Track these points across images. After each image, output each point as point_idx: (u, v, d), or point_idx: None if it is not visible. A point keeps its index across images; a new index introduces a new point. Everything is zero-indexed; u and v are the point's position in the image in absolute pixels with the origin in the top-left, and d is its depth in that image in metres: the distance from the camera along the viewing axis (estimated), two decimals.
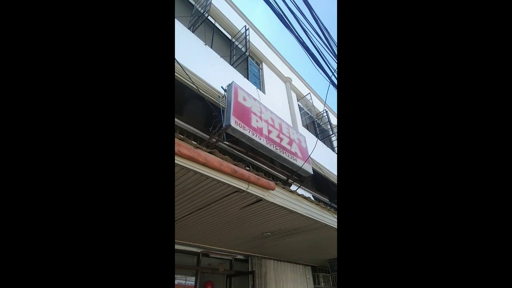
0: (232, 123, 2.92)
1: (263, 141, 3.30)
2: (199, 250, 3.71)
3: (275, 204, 2.42)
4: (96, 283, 0.61)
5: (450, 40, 0.66)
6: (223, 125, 2.94)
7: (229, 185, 2.05)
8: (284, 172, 4.07)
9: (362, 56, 0.76)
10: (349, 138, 0.78)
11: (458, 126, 0.62)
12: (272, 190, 2.38)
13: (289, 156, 3.66)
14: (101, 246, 0.63)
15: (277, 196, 2.47)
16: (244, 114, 3.27)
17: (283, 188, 2.59)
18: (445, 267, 0.58)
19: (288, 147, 3.75)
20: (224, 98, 3.44)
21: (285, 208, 2.54)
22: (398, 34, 0.72)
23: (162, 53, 0.76)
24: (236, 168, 2.05)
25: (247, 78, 5.28)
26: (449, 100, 0.64)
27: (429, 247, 0.61)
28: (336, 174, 6.41)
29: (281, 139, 3.71)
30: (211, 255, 3.86)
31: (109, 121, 0.68)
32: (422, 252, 0.62)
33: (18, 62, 0.61)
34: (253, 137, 3.18)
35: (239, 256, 4.40)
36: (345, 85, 0.79)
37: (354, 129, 0.77)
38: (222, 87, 3.48)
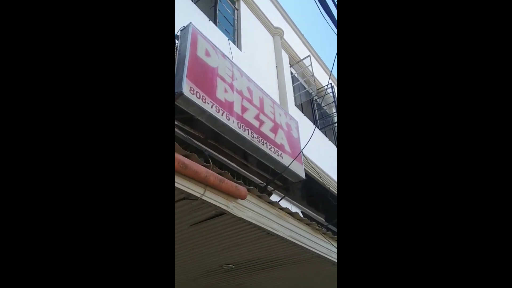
0: (185, 91, 2.85)
1: (233, 123, 3.30)
2: None
3: (245, 220, 2.45)
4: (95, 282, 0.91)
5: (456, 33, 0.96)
6: None
7: (174, 188, 2.02)
8: (262, 174, 4.12)
9: (364, 52, 1.04)
10: (351, 137, 1.03)
11: (467, 127, 0.90)
12: (242, 199, 2.40)
13: (272, 149, 3.70)
14: (99, 245, 0.93)
15: (249, 208, 2.49)
16: (206, 78, 3.21)
17: (259, 197, 2.62)
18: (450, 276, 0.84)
19: (271, 135, 3.79)
20: (175, 49, 3.33)
21: (259, 228, 2.58)
22: (400, 32, 1.02)
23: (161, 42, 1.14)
24: (186, 161, 2.02)
25: (215, 23, 5.18)
26: (456, 99, 0.92)
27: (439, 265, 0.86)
28: None
29: (262, 123, 3.73)
30: None
31: (107, 115, 1.01)
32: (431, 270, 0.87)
33: (16, 60, 0.88)
34: (218, 116, 3.16)
35: None
36: (346, 81, 1.07)
37: (356, 127, 1.02)
38: None
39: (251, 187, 2.57)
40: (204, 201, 2.17)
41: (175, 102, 2.88)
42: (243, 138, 3.41)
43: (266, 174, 4.09)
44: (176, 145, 2.05)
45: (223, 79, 3.47)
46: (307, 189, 5.72)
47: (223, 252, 3.02)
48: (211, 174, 2.16)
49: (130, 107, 1.03)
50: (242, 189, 2.37)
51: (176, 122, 3.21)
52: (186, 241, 2.76)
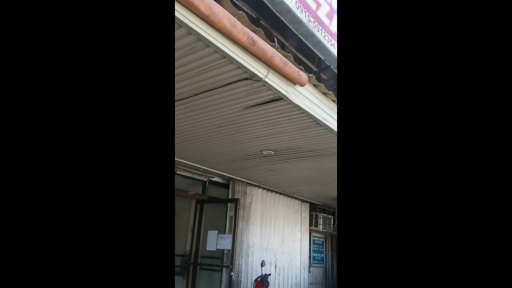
0: None
1: (291, 2, 3.00)
2: None
3: (300, 108, 2.44)
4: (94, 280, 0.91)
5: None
6: None
7: (239, 66, 1.95)
8: (309, 64, 3.96)
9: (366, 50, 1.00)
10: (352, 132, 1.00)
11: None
12: (302, 85, 2.34)
13: (326, 37, 3.47)
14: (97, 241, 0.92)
15: (305, 96, 2.46)
16: None
17: (315, 86, 2.55)
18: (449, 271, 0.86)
19: (326, 21, 3.51)
20: None
21: (311, 117, 2.59)
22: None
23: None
24: (255, 37, 1.89)
25: None
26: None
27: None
28: None
29: (319, 5, 3.41)
30: (178, 172, 4.16)
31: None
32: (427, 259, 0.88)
33: (16, 59, 0.90)
34: None
35: (216, 178, 4.82)
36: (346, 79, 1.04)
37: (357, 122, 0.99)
38: None
39: (310, 75, 2.47)
40: (265, 83, 2.13)
41: None
42: (299, 21, 3.16)
43: (313, 65, 3.93)
44: (245, 18, 1.89)
45: None
46: None
47: (267, 137, 3.13)
48: (276, 55, 2.05)
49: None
50: (304, 75, 2.28)
51: None
52: (235, 124, 2.84)
